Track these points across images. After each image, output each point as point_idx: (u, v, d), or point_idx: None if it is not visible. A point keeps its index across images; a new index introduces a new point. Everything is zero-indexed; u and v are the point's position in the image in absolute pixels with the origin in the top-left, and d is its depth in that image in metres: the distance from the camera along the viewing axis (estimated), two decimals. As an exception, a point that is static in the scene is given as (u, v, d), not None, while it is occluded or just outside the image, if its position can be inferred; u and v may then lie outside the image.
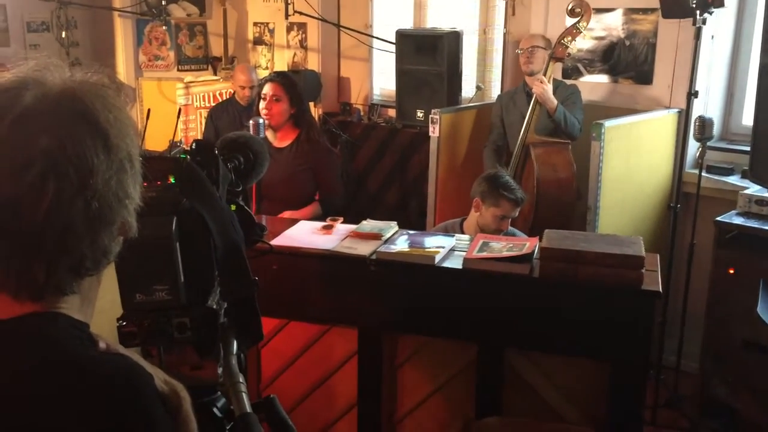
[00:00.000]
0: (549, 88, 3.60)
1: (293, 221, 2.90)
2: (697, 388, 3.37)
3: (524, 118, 3.70)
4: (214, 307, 1.26)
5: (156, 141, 4.53)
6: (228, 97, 4.98)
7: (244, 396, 1.25)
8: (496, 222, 3.05)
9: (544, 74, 3.66)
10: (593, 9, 3.64)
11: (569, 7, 3.63)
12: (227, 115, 4.61)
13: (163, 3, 5.39)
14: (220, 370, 1.31)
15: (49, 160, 0.80)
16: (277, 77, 3.47)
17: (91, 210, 0.84)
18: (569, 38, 3.64)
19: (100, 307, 0.98)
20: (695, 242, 3.44)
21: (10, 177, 0.80)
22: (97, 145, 0.84)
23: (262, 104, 3.37)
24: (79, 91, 0.86)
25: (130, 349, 1.19)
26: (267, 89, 3.37)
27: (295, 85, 3.46)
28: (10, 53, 5.11)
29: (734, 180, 3.59)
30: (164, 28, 5.48)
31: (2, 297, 0.86)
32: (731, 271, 3.15)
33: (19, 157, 0.80)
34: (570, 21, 3.67)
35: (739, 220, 3.15)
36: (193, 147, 1.39)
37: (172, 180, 1.22)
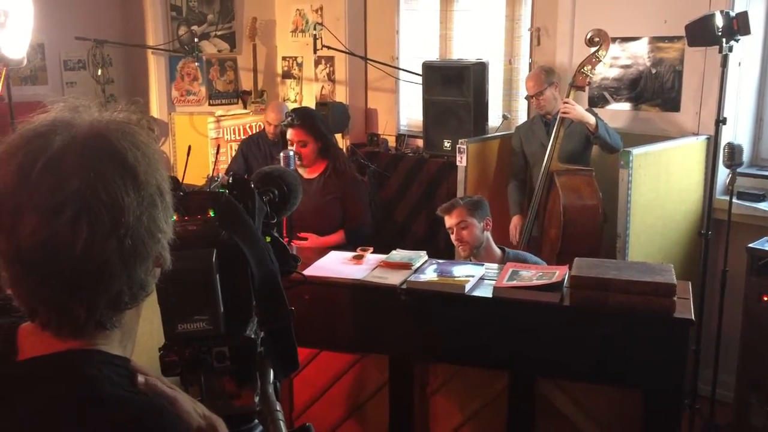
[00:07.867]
0: (577, 105, 3.60)
1: (323, 251, 2.93)
2: (733, 418, 3.31)
3: (545, 146, 3.72)
4: (252, 336, 1.30)
5: (188, 174, 4.62)
6: (258, 131, 5.09)
7: (282, 424, 1.28)
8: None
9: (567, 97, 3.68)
10: (619, 38, 3.65)
11: (588, 37, 3.67)
12: (257, 148, 4.73)
13: (195, 40, 5.56)
14: (257, 399, 1.34)
15: (80, 202, 0.82)
16: (297, 121, 3.40)
17: (125, 247, 0.85)
18: (589, 67, 3.67)
19: (137, 338, 1.00)
20: (727, 269, 3.40)
21: (44, 220, 0.82)
22: (127, 184, 0.85)
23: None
24: (106, 131, 0.88)
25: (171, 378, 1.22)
26: (290, 135, 3.40)
27: (314, 122, 3.46)
28: (48, 91, 5.27)
29: (765, 206, 3.56)
30: (196, 64, 5.62)
31: (46, 334, 0.88)
32: (765, 298, 3.11)
33: (52, 200, 0.82)
34: (592, 50, 3.70)
35: (772, 247, 3.12)
36: (230, 181, 1.44)
37: (211, 214, 1.27)
